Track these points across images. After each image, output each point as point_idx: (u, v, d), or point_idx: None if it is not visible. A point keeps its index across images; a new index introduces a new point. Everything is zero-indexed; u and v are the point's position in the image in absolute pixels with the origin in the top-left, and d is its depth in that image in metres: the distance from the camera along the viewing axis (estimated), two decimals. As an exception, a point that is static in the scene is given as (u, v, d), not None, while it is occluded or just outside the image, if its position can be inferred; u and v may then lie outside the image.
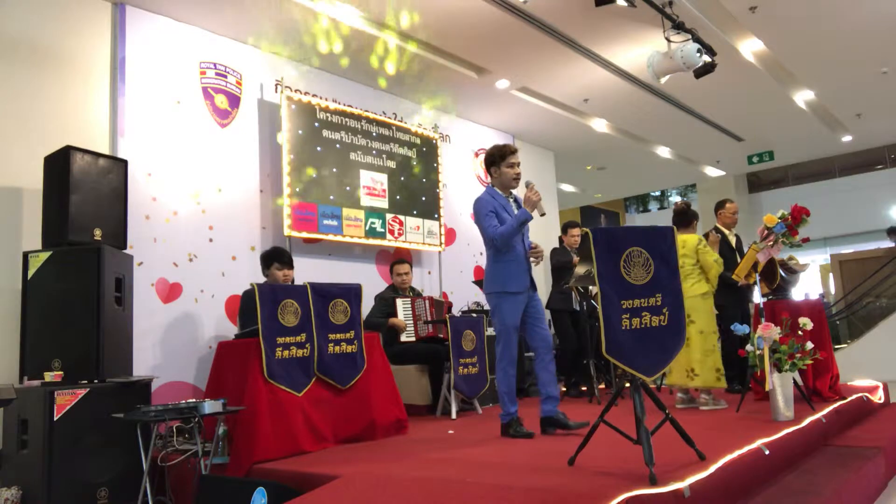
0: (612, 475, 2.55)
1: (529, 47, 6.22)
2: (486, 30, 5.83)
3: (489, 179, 4.06)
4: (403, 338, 5.46)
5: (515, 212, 3.82)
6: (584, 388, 5.94)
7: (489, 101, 7.42)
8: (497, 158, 3.92)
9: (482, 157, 8.11)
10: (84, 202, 3.84)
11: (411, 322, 5.54)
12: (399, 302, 5.55)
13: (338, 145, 6.07)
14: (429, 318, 5.64)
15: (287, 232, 5.51)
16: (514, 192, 4.00)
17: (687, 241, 4.71)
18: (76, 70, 4.65)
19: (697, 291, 4.64)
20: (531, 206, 3.70)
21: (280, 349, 3.81)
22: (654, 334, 2.69)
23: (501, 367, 3.81)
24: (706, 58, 5.97)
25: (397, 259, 6.11)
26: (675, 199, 17.22)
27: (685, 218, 4.88)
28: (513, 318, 3.78)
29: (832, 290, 13.04)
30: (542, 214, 3.80)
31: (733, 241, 5.63)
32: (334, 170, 6.00)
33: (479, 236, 8.05)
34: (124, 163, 4.19)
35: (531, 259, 3.84)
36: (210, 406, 3.30)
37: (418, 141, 6.86)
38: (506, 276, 3.79)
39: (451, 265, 7.30)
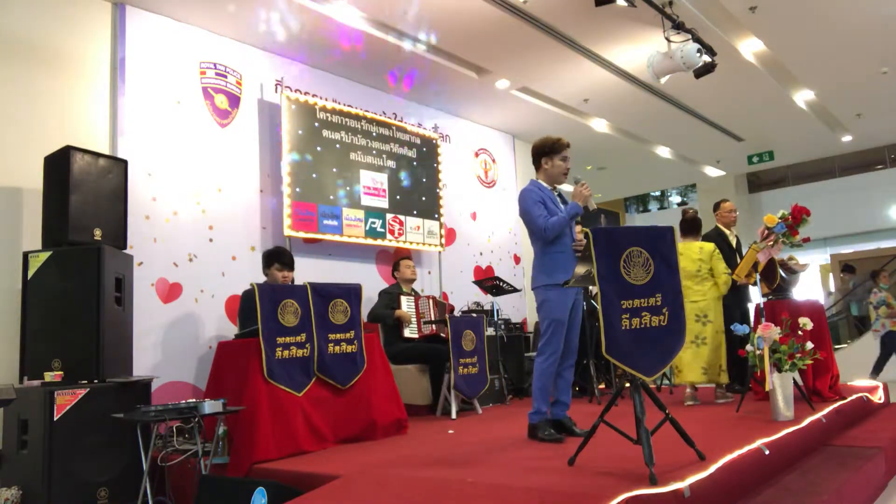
0: (612, 475, 2.54)
1: (529, 47, 6.22)
2: (486, 30, 5.83)
3: (535, 174, 3.88)
4: (407, 332, 5.47)
5: (561, 206, 3.73)
6: (576, 389, 5.95)
7: (489, 101, 7.42)
8: (551, 150, 3.77)
9: (482, 156, 8.18)
10: (84, 202, 3.84)
11: (415, 318, 5.55)
12: (403, 298, 5.57)
13: (338, 145, 6.07)
14: (431, 317, 5.65)
15: (287, 232, 5.51)
16: (560, 187, 3.86)
17: (704, 248, 5.08)
18: (76, 70, 4.65)
19: (714, 294, 5.01)
20: (582, 200, 3.61)
21: (280, 349, 3.81)
22: (653, 334, 2.69)
23: (540, 361, 3.64)
24: (706, 58, 5.97)
25: (403, 255, 6.13)
26: (675, 199, 17.20)
27: (695, 225, 5.25)
28: (561, 311, 3.61)
29: (832, 289, 13.04)
30: (593, 210, 3.76)
31: (733, 240, 5.64)
32: (334, 170, 6.00)
33: (479, 236, 8.10)
34: (124, 163, 4.19)
35: (574, 250, 3.66)
36: (210, 406, 3.30)
37: (418, 141, 6.86)
38: (554, 267, 3.63)
39: (451, 265, 7.30)
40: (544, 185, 3.81)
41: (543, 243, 3.71)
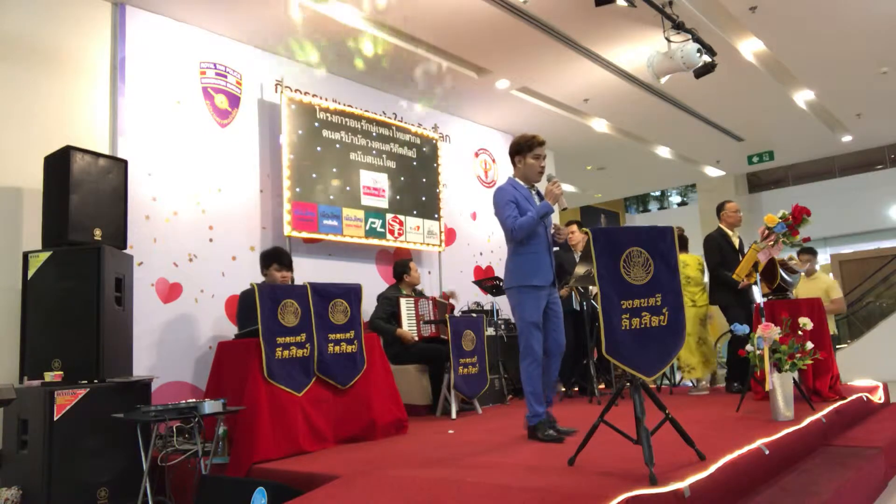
0: (612, 475, 2.55)
1: (529, 47, 6.22)
2: (486, 30, 5.83)
3: (512, 170, 3.86)
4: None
5: (538, 204, 3.67)
6: (576, 389, 5.95)
7: (489, 101, 7.42)
8: (524, 148, 3.72)
9: (482, 156, 8.18)
10: (84, 202, 3.84)
11: (414, 322, 5.54)
12: (403, 301, 5.55)
13: (338, 145, 6.07)
14: (431, 318, 5.64)
15: (287, 232, 5.51)
16: (538, 185, 3.82)
17: (702, 260, 5.73)
18: (76, 70, 4.65)
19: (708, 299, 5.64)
20: (553, 199, 3.58)
21: (280, 349, 3.80)
22: (653, 334, 2.69)
23: (524, 366, 3.62)
24: (706, 58, 5.97)
25: (407, 258, 6.12)
26: (675, 199, 17.20)
27: (683, 242, 5.82)
28: (535, 313, 3.60)
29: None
30: (564, 208, 3.74)
31: (736, 241, 5.65)
32: (334, 170, 6.00)
33: (479, 236, 8.10)
34: (124, 163, 4.19)
35: (554, 235, 3.67)
36: (210, 406, 3.30)
37: (418, 141, 6.86)
38: (528, 269, 3.62)
39: (451, 265, 7.30)
40: (520, 183, 3.77)
41: (515, 244, 3.68)
